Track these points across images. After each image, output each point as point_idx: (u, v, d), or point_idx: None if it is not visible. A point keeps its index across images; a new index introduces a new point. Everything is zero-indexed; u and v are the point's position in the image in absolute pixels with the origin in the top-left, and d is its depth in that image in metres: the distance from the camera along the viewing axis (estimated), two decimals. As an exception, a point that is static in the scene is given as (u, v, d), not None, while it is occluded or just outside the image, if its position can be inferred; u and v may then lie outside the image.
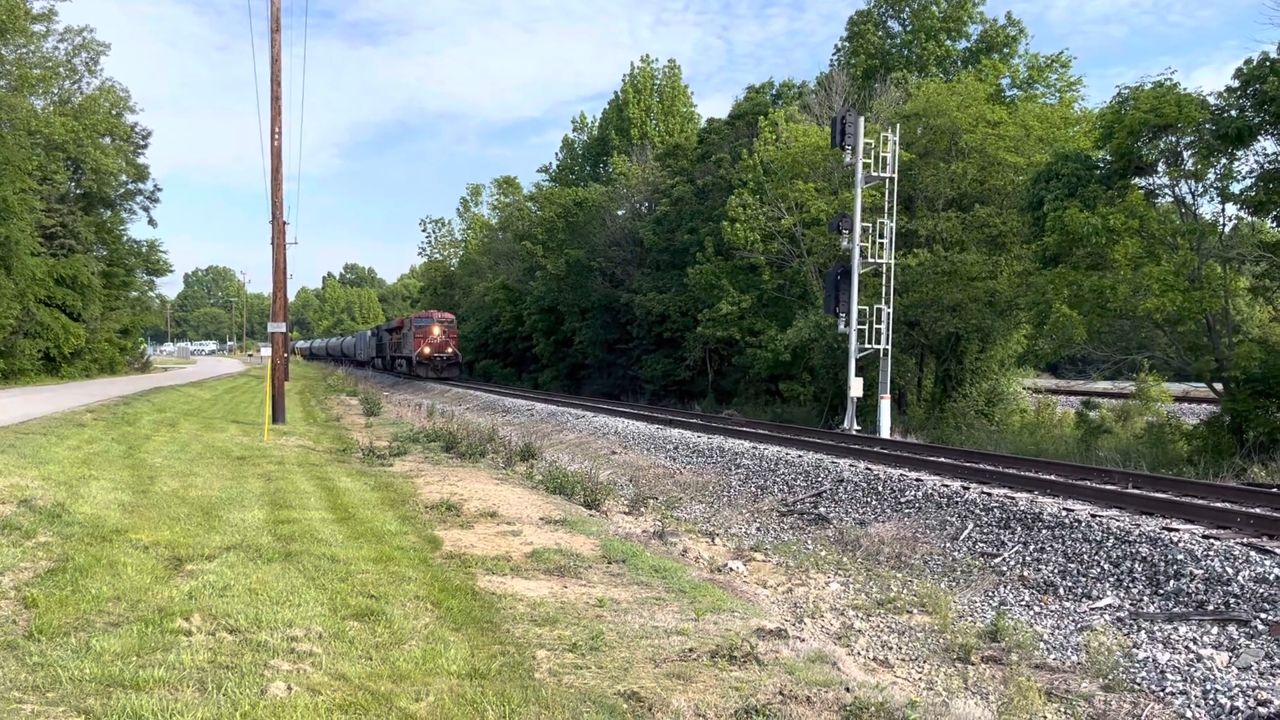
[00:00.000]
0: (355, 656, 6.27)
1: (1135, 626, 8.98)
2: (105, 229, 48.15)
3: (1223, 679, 7.66)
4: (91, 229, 44.99)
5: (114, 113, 46.38)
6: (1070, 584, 10.25)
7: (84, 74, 45.40)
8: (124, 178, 48.66)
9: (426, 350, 53.34)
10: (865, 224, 24.51)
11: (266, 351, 24.87)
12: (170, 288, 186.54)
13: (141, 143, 49.69)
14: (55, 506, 10.60)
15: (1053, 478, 14.54)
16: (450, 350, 54.44)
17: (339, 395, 44.20)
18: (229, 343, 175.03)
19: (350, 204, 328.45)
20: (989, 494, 13.20)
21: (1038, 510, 11.97)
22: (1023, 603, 10.14)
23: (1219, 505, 11.78)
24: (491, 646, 6.69)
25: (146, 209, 52.69)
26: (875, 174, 24.43)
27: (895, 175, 24.68)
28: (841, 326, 24.74)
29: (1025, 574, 10.77)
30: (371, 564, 8.98)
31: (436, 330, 54.11)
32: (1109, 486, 13.59)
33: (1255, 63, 18.18)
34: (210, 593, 7.58)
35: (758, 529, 14.66)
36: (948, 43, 43.86)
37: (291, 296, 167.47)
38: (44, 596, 7.19)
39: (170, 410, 27.20)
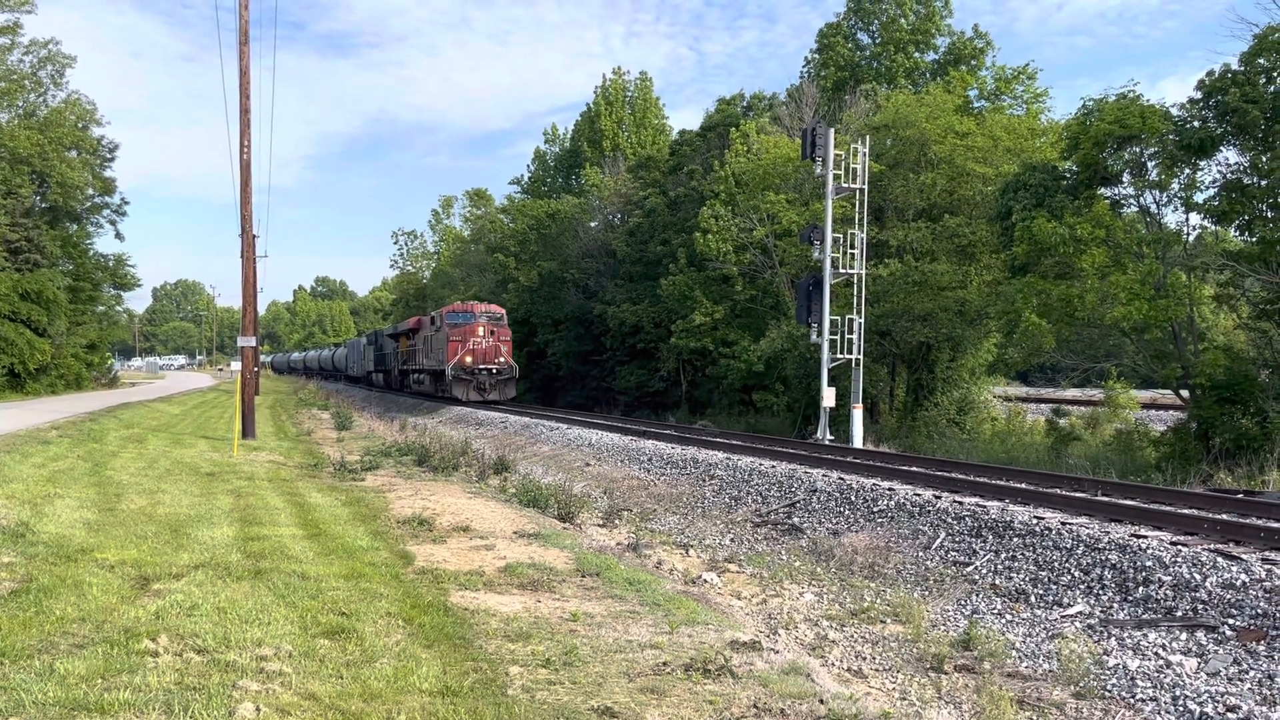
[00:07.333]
0: (326, 675, 6.19)
1: (1106, 633, 9.05)
2: (71, 243, 47.54)
3: (1192, 685, 7.73)
4: (57, 243, 44.42)
5: (80, 125, 45.87)
6: (1041, 592, 10.32)
7: (50, 87, 44.92)
8: (90, 191, 48.07)
9: (468, 360, 37.65)
10: (836, 235, 24.68)
11: (236, 366, 24.66)
12: (138, 301, 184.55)
13: (108, 156, 49.19)
14: (19, 526, 10.42)
15: (1023, 486, 14.67)
16: (503, 360, 38.60)
17: (310, 409, 43.82)
18: (198, 357, 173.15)
19: (321, 216, 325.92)
20: (961, 503, 13.28)
21: (1009, 519, 12.05)
22: (995, 611, 10.19)
23: (1186, 512, 11.92)
24: (464, 663, 6.63)
25: (114, 222, 52.14)
26: (846, 185, 24.62)
27: (865, 186, 24.87)
28: (814, 337, 24.88)
29: (997, 582, 10.84)
30: (342, 581, 8.88)
31: (481, 331, 38.05)
32: (1079, 494, 13.71)
33: (1217, 74, 18.50)
34: (178, 612, 7.47)
35: (732, 540, 14.66)
36: (916, 55, 44.29)
37: (262, 310, 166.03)
38: (7, 618, 7.06)
39: (138, 426, 26.86)
